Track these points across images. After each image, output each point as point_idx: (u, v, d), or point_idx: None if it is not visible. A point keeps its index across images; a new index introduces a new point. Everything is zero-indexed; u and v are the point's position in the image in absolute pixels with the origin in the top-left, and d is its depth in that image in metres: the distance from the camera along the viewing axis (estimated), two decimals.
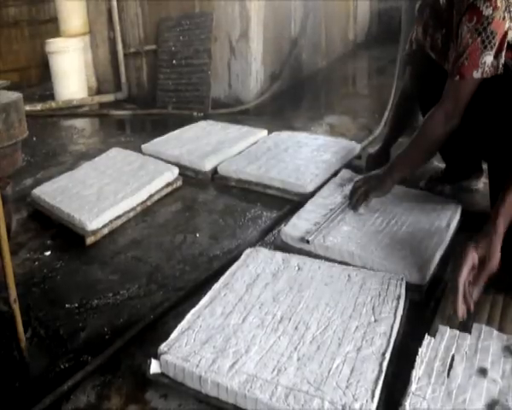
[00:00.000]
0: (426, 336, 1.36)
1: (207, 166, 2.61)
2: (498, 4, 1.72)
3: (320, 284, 1.62)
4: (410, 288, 1.62)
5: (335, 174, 2.42)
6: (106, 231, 2.17)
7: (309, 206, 2.11)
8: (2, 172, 1.39)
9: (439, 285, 1.70)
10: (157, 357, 1.36)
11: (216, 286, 1.63)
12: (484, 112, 1.83)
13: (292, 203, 2.30)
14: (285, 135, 2.93)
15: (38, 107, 3.81)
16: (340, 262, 1.77)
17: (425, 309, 1.60)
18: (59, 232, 2.21)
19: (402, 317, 1.48)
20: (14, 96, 1.30)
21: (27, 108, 3.74)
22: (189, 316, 1.49)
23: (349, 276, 1.65)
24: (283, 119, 3.56)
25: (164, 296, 1.77)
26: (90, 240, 2.11)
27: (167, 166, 2.57)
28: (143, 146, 2.89)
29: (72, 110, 3.87)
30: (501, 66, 1.78)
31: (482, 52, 1.75)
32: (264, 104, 3.87)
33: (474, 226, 1.98)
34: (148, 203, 2.39)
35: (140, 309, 1.72)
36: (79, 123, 3.75)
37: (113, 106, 4.01)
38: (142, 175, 2.48)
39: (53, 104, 3.85)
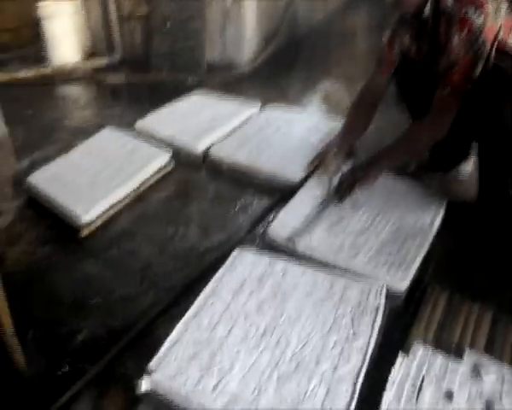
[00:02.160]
0: (400, 353, 1.44)
1: (199, 148, 2.64)
2: (489, 11, 1.73)
3: (303, 292, 1.69)
4: (389, 294, 1.69)
5: None
6: (99, 222, 2.23)
7: (297, 199, 2.15)
8: None
9: (419, 287, 1.77)
10: (147, 373, 1.45)
11: (203, 294, 1.70)
12: (474, 100, 1.86)
13: (281, 191, 2.34)
14: (276, 112, 2.93)
15: (31, 73, 3.77)
16: (325, 264, 1.84)
17: (403, 315, 1.67)
18: (55, 222, 2.26)
19: (380, 328, 1.56)
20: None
21: (20, 75, 3.74)
22: (177, 328, 1.57)
23: (331, 283, 1.71)
24: (277, 86, 3.56)
25: (155, 297, 1.84)
26: (84, 232, 2.17)
27: (159, 150, 2.60)
28: (137, 124, 2.90)
29: (66, 76, 3.84)
30: (489, 69, 1.80)
31: (474, 65, 1.77)
32: (259, 68, 3.84)
33: (457, 222, 2.07)
34: (141, 190, 2.43)
35: (133, 311, 1.79)
36: (74, 91, 3.73)
37: (106, 70, 3.97)
38: (134, 160, 2.51)
39: (46, 70, 3.82)
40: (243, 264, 1.82)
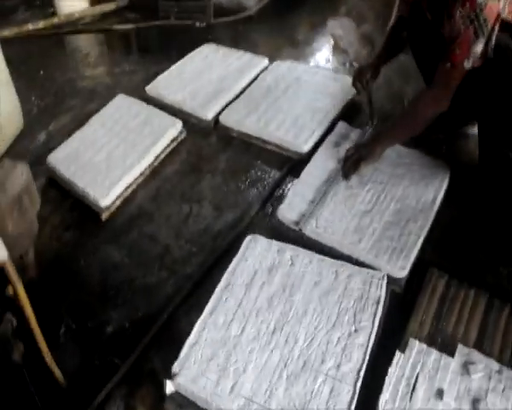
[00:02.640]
0: (396, 352, 1.58)
1: (209, 114, 2.70)
2: None
3: (310, 283, 1.82)
4: (391, 280, 1.82)
5: (333, 124, 2.50)
6: (119, 202, 2.35)
7: (304, 176, 2.23)
8: (21, 249, 1.55)
9: (419, 270, 1.88)
10: (171, 376, 1.63)
11: (219, 288, 1.85)
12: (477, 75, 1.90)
13: (291, 161, 2.42)
14: (285, 67, 2.94)
15: (41, 24, 3.76)
16: (331, 248, 1.96)
17: (402, 305, 1.80)
18: (77, 203, 2.39)
19: (380, 319, 1.70)
20: (23, 177, 1.42)
21: (30, 27, 3.74)
22: (195, 327, 1.73)
23: (336, 273, 1.84)
24: (286, 29, 3.52)
25: (175, 286, 1.98)
26: (105, 215, 2.30)
27: (171, 120, 2.65)
28: (147, 88, 2.93)
29: (74, 24, 3.82)
30: (490, 51, 1.83)
31: (474, 42, 1.80)
32: (267, 8, 3.76)
33: (460, 193, 2.15)
34: (156, 164, 2.53)
35: (155, 302, 1.94)
36: (83, 44, 3.72)
37: (115, 16, 3.93)
38: (148, 133, 2.58)
39: (55, 20, 3.80)
40: (254, 254, 1.94)
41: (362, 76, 2.43)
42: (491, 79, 1.91)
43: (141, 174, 2.46)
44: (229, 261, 1.96)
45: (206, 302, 1.82)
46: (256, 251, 1.95)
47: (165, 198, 2.39)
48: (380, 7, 3.52)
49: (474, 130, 2.40)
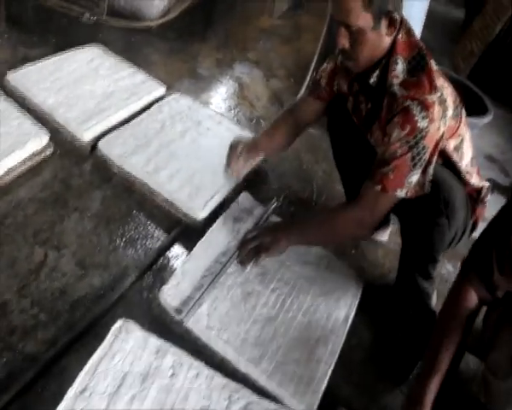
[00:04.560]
0: None
1: (87, 135, 2.17)
2: (435, 116, 1.51)
3: (195, 408, 1.42)
4: None
5: (235, 191, 2.14)
6: None
7: (197, 254, 1.83)
8: None
9: (326, 406, 1.58)
10: None
11: (72, 393, 1.36)
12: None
13: (181, 226, 2.00)
14: (185, 104, 2.51)
15: None
16: (223, 359, 1.58)
17: None
18: None
19: None
20: None
21: None
22: None
23: (229, 399, 1.47)
24: (188, 56, 3.10)
25: (8, 369, 1.45)
26: None
27: (36, 128, 2.09)
28: (10, 77, 2.31)
29: None
30: (427, 183, 1.60)
31: (410, 170, 1.55)
32: (169, 25, 3.27)
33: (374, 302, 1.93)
34: (6, 180, 1.95)
35: None
36: None
37: None
38: (0, 137, 1.99)
39: None
40: (124, 350, 1.48)
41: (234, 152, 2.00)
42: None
43: None
44: (90, 347, 1.48)
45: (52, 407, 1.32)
46: (127, 346, 1.50)
47: (11, 232, 1.82)
48: (291, 66, 3.26)
49: (383, 237, 2.23)
